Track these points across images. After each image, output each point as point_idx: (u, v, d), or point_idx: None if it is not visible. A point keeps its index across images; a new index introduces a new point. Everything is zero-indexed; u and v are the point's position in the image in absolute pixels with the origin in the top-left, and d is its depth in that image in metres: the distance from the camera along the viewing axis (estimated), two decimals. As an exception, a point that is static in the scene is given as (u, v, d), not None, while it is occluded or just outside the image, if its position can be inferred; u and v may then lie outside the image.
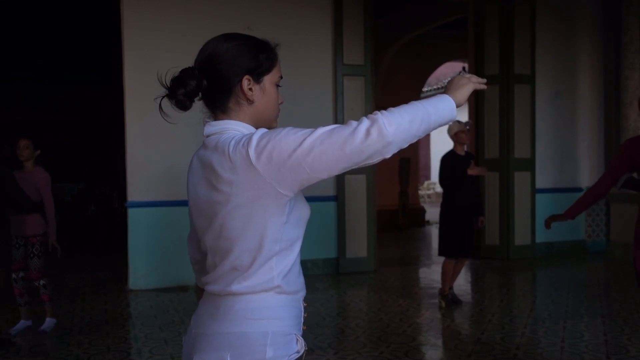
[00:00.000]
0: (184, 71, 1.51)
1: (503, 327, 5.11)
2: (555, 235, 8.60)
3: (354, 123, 1.35)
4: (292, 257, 1.52)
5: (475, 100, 8.67)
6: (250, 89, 1.51)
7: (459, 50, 12.11)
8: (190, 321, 1.62)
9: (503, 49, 8.32)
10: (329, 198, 7.56)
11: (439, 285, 6.26)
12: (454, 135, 5.66)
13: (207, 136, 1.53)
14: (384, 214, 12.18)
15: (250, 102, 1.52)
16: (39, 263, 5.03)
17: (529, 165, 8.50)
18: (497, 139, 8.41)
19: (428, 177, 22.81)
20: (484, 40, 8.50)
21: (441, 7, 10.71)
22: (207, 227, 1.52)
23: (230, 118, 1.53)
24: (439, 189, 21.22)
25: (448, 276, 5.78)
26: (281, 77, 1.59)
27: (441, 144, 22.32)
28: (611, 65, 8.89)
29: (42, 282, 5.06)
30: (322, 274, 7.47)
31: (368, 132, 1.32)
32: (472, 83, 1.54)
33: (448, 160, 5.67)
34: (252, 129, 1.50)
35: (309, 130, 1.37)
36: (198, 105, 1.59)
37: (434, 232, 12.65)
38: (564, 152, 8.99)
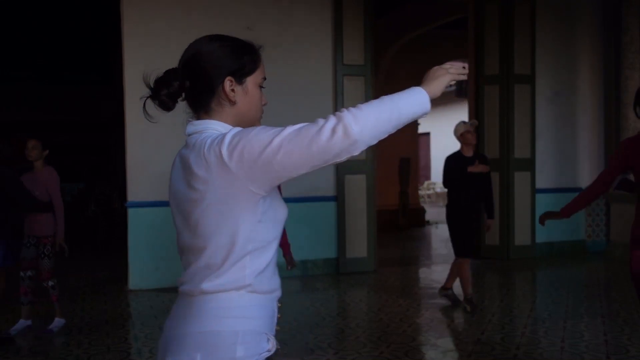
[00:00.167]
0: (167, 72, 1.53)
1: (503, 327, 5.11)
2: (556, 235, 8.61)
3: (320, 121, 1.34)
4: (266, 256, 1.51)
5: (475, 100, 8.67)
6: (233, 90, 1.52)
7: (459, 50, 12.10)
8: (165, 323, 1.62)
9: (503, 49, 8.32)
10: (329, 198, 7.56)
11: (439, 286, 6.26)
12: (460, 136, 5.58)
13: (189, 135, 1.55)
14: (384, 214, 12.18)
15: (232, 102, 1.53)
16: (50, 264, 5.05)
17: (529, 165, 8.50)
18: (497, 139, 8.41)
19: (428, 177, 22.81)
20: (484, 40, 8.50)
21: (441, 7, 10.70)
22: (184, 226, 1.54)
23: (212, 118, 1.54)
24: (439, 189, 21.23)
25: (466, 277, 5.65)
26: (264, 79, 1.60)
27: (441, 144, 22.34)
28: (611, 65, 8.89)
29: (51, 282, 5.08)
30: (322, 274, 7.47)
31: (334, 131, 1.31)
32: (450, 74, 1.49)
33: (452, 161, 5.59)
34: (238, 129, 1.50)
35: (279, 129, 1.37)
36: None
37: (434, 232, 12.66)
38: (564, 152, 8.99)
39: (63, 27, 10.66)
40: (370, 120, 1.34)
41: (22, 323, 5.15)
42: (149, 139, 6.76)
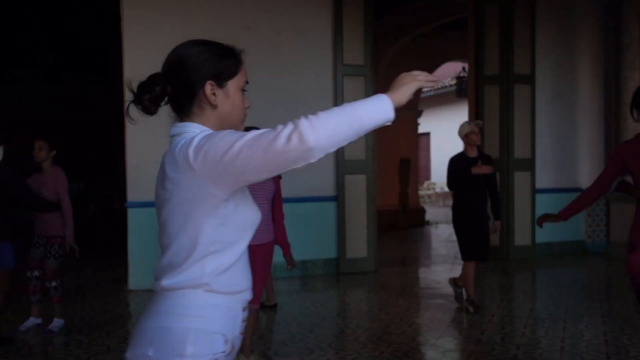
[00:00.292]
0: (150, 77, 1.56)
1: (503, 327, 5.11)
2: (555, 235, 8.60)
3: (279, 128, 1.35)
4: (228, 258, 1.52)
5: (475, 100, 8.68)
6: (214, 94, 1.55)
7: (459, 50, 12.11)
8: None
9: (503, 49, 8.32)
10: (329, 198, 7.56)
11: (439, 286, 6.28)
12: (464, 136, 5.51)
13: (171, 137, 1.57)
14: (384, 214, 12.17)
15: (213, 106, 1.56)
16: (55, 264, 5.06)
17: (529, 165, 8.50)
18: (497, 139, 8.40)
19: (428, 178, 22.80)
20: (484, 40, 8.50)
21: (441, 7, 10.70)
22: (159, 225, 1.57)
23: (194, 121, 1.56)
24: (439, 189, 21.23)
25: (469, 280, 5.60)
26: (247, 82, 1.62)
27: (441, 144, 22.34)
28: (611, 65, 8.89)
29: (54, 283, 5.08)
30: (322, 274, 7.47)
31: (289, 138, 1.32)
32: (417, 81, 1.47)
33: (456, 162, 5.51)
34: (209, 132, 1.52)
35: (243, 133, 1.39)
36: None
37: (434, 232, 12.66)
38: (564, 152, 8.99)
39: (63, 27, 10.66)
40: (327, 129, 1.33)
41: (32, 321, 5.19)
42: (148, 139, 6.75)
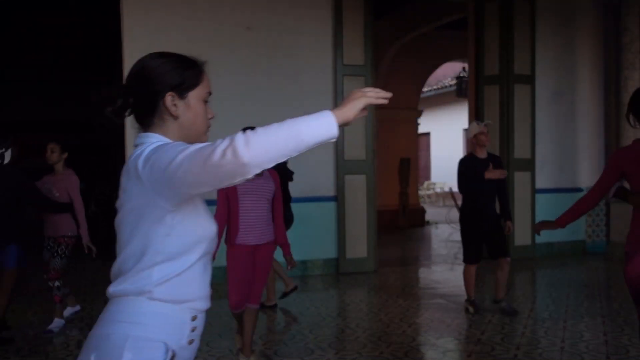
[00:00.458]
0: (112, 89, 1.59)
1: (503, 327, 5.11)
2: (555, 235, 8.57)
3: (218, 142, 1.34)
4: (176, 268, 1.52)
5: (476, 100, 8.68)
6: (175, 105, 1.56)
7: (459, 50, 12.10)
8: None
9: (503, 49, 8.32)
10: (329, 198, 7.56)
11: (439, 286, 6.28)
12: (473, 137, 5.40)
13: (134, 147, 1.59)
14: (384, 214, 12.18)
15: (174, 117, 1.57)
16: (59, 264, 5.08)
17: (529, 165, 8.50)
18: (497, 139, 8.40)
19: (428, 178, 22.81)
20: (484, 40, 8.50)
21: (441, 7, 10.71)
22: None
23: (155, 132, 1.58)
24: (438, 189, 21.22)
25: (469, 282, 5.56)
26: (210, 93, 1.64)
27: (441, 144, 22.34)
28: (611, 65, 8.89)
29: (57, 283, 5.10)
30: (322, 274, 7.47)
31: (224, 153, 1.31)
32: (366, 97, 1.44)
33: (466, 163, 5.40)
34: (162, 143, 1.53)
35: (188, 146, 1.40)
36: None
37: (434, 232, 12.66)
38: (564, 152, 8.99)
39: (63, 27, 10.66)
40: (263, 144, 1.32)
41: (70, 310, 5.35)
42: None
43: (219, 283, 6.94)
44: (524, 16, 8.37)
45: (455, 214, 13.74)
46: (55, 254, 5.07)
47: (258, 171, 1.34)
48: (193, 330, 1.58)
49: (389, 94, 1.48)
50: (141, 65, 1.59)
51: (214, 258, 4.36)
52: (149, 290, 1.50)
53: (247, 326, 4.14)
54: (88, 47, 12.10)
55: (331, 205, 7.58)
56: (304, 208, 7.31)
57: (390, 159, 12.83)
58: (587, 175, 8.89)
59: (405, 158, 12.89)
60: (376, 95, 1.46)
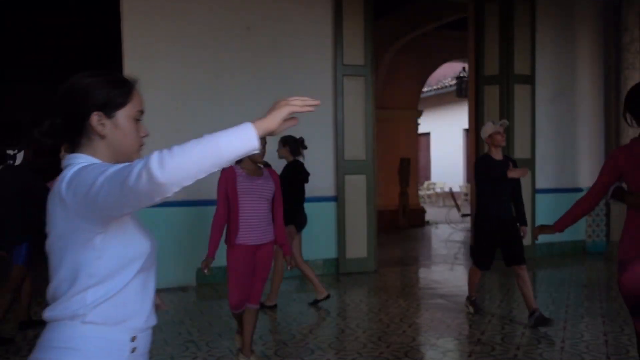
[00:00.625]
0: (43, 111, 1.58)
1: (503, 327, 5.11)
2: (556, 235, 8.56)
3: (135, 162, 1.33)
4: (110, 289, 1.50)
5: (475, 100, 8.68)
6: (102, 124, 1.54)
7: (459, 50, 12.11)
8: None
9: (503, 49, 8.32)
10: (329, 198, 7.56)
11: (439, 286, 6.28)
12: (489, 137, 5.19)
13: (63, 169, 1.57)
14: (384, 214, 12.18)
15: (101, 136, 1.55)
16: None
17: (529, 165, 8.49)
18: (497, 139, 8.39)
19: (428, 178, 22.81)
20: (484, 40, 8.50)
21: (441, 7, 10.71)
22: None
23: (84, 152, 1.56)
24: (439, 189, 21.23)
25: (473, 281, 5.47)
26: (141, 112, 1.62)
27: (441, 144, 22.33)
28: (611, 65, 8.89)
29: None
30: (322, 274, 7.47)
31: (139, 175, 1.29)
32: (290, 105, 1.41)
33: (483, 164, 5.17)
34: (85, 164, 1.50)
35: (109, 167, 1.38)
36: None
37: (434, 232, 12.66)
38: (564, 152, 8.99)
39: (63, 27, 10.66)
40: (179, 164, 1.29)
41: None
42: (147, 140, 6.75)
43: (219, 283, 6.97)
44: (524, 16, 8.37)
45: (455, 214, 13.81)
46: None
47: (177, 189, 1.31)
48: (133, 350, 1.54)
49: (316, 102, 1.44)
50: (68, 85, 1.56)
51: (214, 258, 4.35)
52: (82, 314, 1.47)
53: (247, 326, 4.14)
54: (88, 47, 12.09)
55: (331, 205, 7.58)
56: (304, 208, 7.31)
57: (390, 159, 12.83)
58: (587, 175, 8.88)
59: (405, 158, 12.89)
60: (302, 104, 1.42)
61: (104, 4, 8.40)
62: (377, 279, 7.35)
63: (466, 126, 10.57)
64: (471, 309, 5.54)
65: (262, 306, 5.78)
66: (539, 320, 5.01)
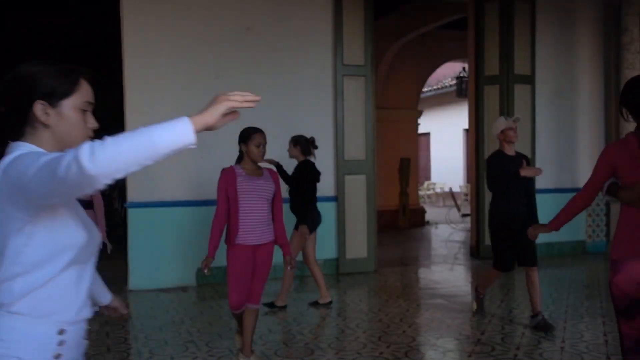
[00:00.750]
0: None
1: (503, 327, 5.11)
2: (555, 235, 8.55)
3: (66, 153, 1.31)
4: (37, 279, 1.48)
5: (475, 100, 8.67)
6: (47, 114, 1.53)
7: (459, 50, 12.11)
8: None
9: (503, 49, 8.32)
10: (329, 198, 7.56)
11: (439, 286, 6.27)
12: (501, 133, 5.05)
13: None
14: (384, 214, 12.18)
15: (45, 126, 1.54)
16: None
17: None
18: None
19: (428, 178, 22.81)
20: (484, 40, 8.49)
21: (441, 7, 10.71)
22: None
23: (27, 142, 1.54)
24: (439, 189, 21.23)
25: (488, 280, 5.33)
26: (90, 103, 1.60)
27: (441, 144, 22.32)
28: (611, 65, 8.89)
29: None
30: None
31: (69, 166, 1.28)
32: (229, 101, 1.38)
33: (498, 159, 5.01)
34: (22, 153, 1.49)
35: (42, 156, 1.37)
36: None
37: (434, 232, 12.66)
38: (564, 152, 8.99)
39: (63, 27, 10.66)
40: (110, 155, 1.28)
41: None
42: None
43: (219, 283, 6.96)
44: (524, 16, 8.37)
45: (455, 214, 13.80)
46: None
47: (109, 181, 1.30)
48: (60, 344, 1.52)
49: (257, 98, 1.42)
50: (13, 74, 1.55)
51: (214, 258, 4.36)
52: (8, 303, 1.46)
53: (247, 326, 4.14)
54: (88, 47, 12.08)
55: (331, 205, 7.57)
56: (304, 208, 7.31)
57: (390, 159, 12.82)
58: (587, 175, 8.71)
59: (406, 158, 12.89)
60: (242, 99, 1.39)
61: (104, 4, 8.40)
62: (377, 279, 7.35)
63: (466, 126, 10.56)
64: (474, 306, 5.51)
65: (273, 306, 5.78)
66: (541, 325, 4.93)
